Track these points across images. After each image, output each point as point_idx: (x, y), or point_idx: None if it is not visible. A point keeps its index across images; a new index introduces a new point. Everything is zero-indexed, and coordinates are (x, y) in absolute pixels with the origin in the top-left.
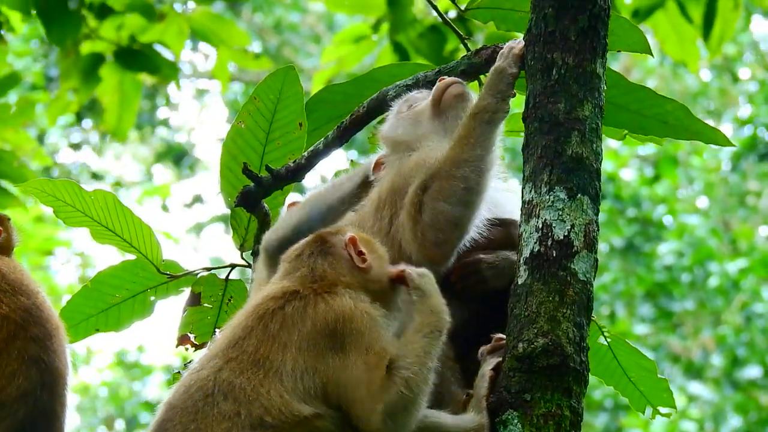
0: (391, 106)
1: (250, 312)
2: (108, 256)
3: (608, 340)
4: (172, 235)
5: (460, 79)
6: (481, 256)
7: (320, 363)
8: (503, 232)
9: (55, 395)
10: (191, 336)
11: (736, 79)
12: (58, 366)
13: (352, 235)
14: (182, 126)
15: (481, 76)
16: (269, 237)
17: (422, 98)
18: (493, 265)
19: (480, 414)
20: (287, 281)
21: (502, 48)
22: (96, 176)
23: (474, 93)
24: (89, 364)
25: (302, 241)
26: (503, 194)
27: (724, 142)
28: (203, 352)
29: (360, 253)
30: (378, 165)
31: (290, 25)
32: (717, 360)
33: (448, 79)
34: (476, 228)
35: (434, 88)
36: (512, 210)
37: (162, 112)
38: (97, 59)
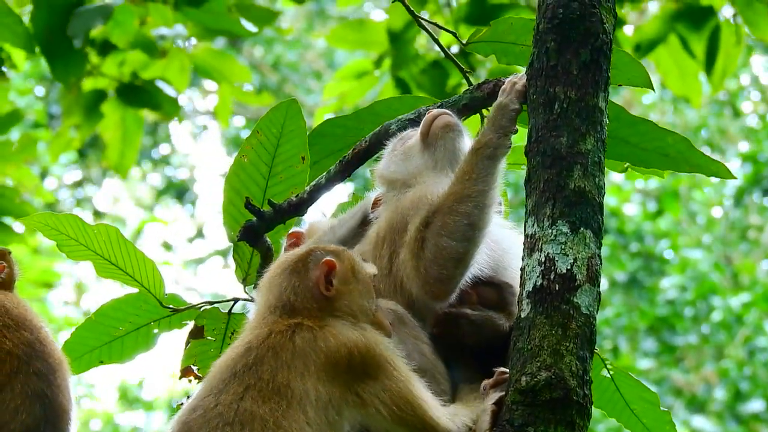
0: (390, 138)
1: (257, 342)
2: (103, 287)
3: (611, 372)
4: (173, 267)
5: (447, 111)
6: (467, 311)
7: (347, 394)
8: (496, 294)
9: (58, 431)
10: (194, 368)
11: (737, 113)
12: (62, 401)
13: (329, 259)
14: (183, 162)
15: (484, 110)
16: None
17: (415, 134)
18: (473, 322)
19: None
20: (270, 314)
21: (503, 82)
22: (98, 214)
23: (464, 126)
24: (91, 399)
25: (296, 251)
26: (502, 230)
27: (725, 174)
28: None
29: (329, 281)
30: (376, 203)
31: (289, 63)
32: (720, 394)
33: (434, 111)
34: (477, 264)
35: (422, 121)
36: (509, 246)
37: (163, 149)
38: (100, 95)
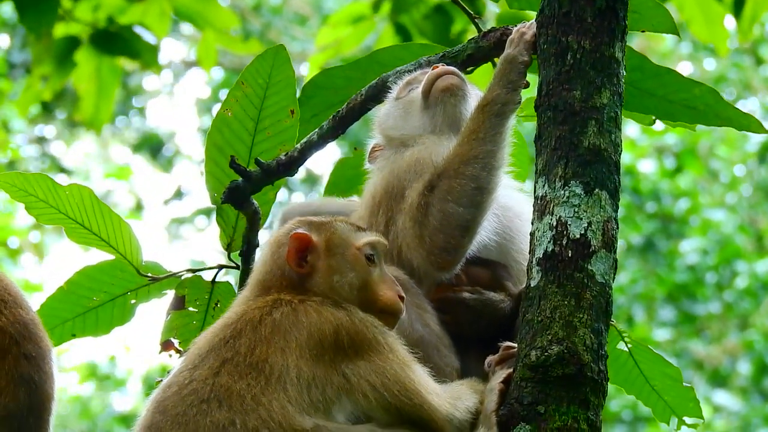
0: (390, 89)
1: (236, 318)
2: (66, 251)
3: (629, 346)
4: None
5: (454, 69)
6: (465, 295)
7: (333, 375)
8: (488, 273)
9: (41, 421)
10: (175, 342)
11: (760, 61)
12: (48, 390)
13: (299, 233)
14: (159, 115)
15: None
16: (286, 209)
17: (421, 82)
18: (472, 308)
19: (490, 430)
20: (250, 292)
21: (511, 31)
22: (65, 171)
23: (472, 84)
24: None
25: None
26: (510, 193)
27: (758, 128)
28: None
29: (301, 256)
30: (373, 152)
31: (273, 8)
32: (744, 367)
33: (440, 69)
34: (484, 231)
35: (425, 77)
36: (520, 211)
37: (137, 101)
38: (72, 43)
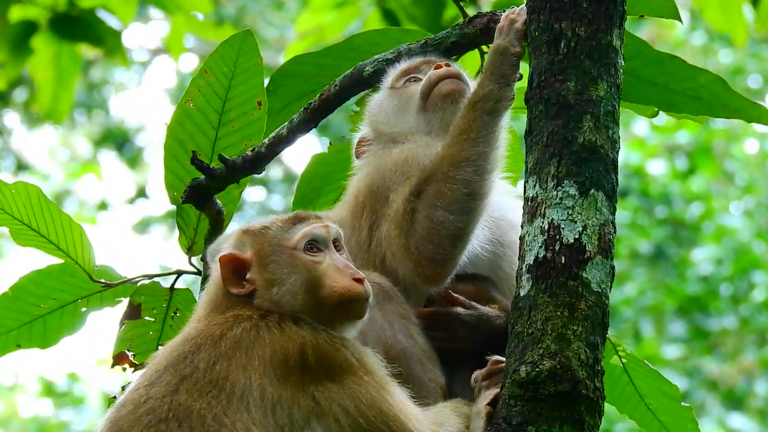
0: (386, 73)
1: (195, 333)
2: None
3: (623, 360)
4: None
5: (458, 71)
6: (459, 310)
7: (300, 397)
8: (474, 288)
9: None
10: (129, 354)
11: None
12: None
13: (228, 255)
14: (124, 107)
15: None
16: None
17: (420, 74)
18: (467, 324)
19: None
20: (208, 306)
21: (499, 17)
22: (22, 167)
23: (473, 82)
24: (14, 394)
25: None
26: (505, 200)
27: None
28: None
29: (239, 276)
30: (361, 146)
31: None
32: (762, 388)
33: (443, 71)
34: (476, 240)
35: (425, 77)
36: (516, 222)
37: (100, 92)
38: (29, 28)
